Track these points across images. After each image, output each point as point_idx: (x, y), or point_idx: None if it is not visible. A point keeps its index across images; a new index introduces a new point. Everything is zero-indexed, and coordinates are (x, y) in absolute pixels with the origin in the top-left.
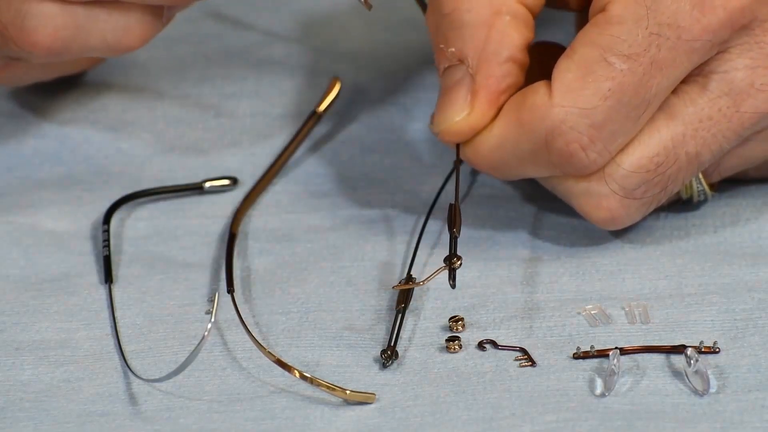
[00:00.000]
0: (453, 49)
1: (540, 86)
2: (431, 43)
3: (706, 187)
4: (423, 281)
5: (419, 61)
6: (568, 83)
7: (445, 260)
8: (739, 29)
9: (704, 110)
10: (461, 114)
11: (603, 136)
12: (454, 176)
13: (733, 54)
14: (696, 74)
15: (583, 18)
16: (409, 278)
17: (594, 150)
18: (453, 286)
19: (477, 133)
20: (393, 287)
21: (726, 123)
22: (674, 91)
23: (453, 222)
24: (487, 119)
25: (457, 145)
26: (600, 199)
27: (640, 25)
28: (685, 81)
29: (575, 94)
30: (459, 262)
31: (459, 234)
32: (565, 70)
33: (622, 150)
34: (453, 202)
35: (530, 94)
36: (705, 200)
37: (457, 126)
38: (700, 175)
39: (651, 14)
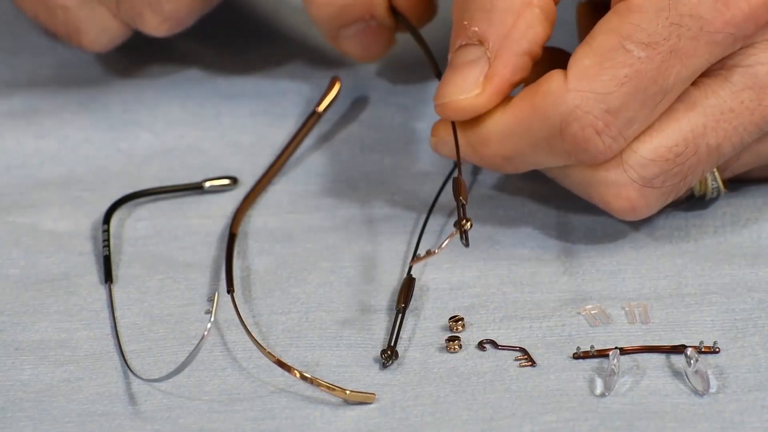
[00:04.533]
0: (476, 29)
1: (555, 73)
2: (451, 16)
3: (721, 184)
4: (437, 249)
5: (420, 62)
6: (585, 69)
7: (455, 225)
8: (764, 25)
9: (726, 102)
10: (470, 93)
11: (618, 123)
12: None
13: (758, 49)
14: (719, 68)
15: (587, 20)
16: (410, 278)
17: (609, 135)
18: (466, 245)
19: (476, 117)
20: (411, 262)
21: (748, 116)
22: (696, 83)
23: (458, 192)
24: (491, 106)
25: (453, 124)
26: (619, 188)
27: (661, 14)
28: (707, 74)
29: (591, 79)
30: (469, 223)
31: (467, 201)
32: (582, 57)
33: (640, 138)
34: (456, 176)
35: (545, 81)
36: (717, 197)
37: (462, 103)
38: (716, 172)
39: (673, 5)
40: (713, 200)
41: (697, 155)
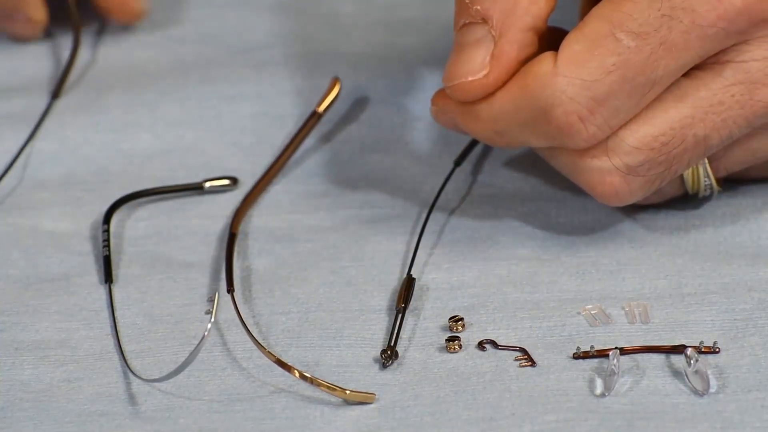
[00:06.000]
0: (478, 7)
1: (547, 55)
2: None
3: (714, 182)
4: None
5: (419, 62)
6: (574, 54)
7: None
8: (759, 22)
9: (716, 95)
10: (478, 74)
11: (603, 110)
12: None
13: (752, 45)
14: (712, 62)
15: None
16: (410, 278)
17: (593, 123)
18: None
19: (486, 96)
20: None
21: (738, 109)
22: (687, 75)
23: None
24: (500, 85)
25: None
26: (603, 174)
27: (654, 5)
28: (700, 67)
29: (579, 65)
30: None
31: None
32: (573, 42)
33: (626, 126)
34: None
35: (536, 63)
36: (710, 196)
37: (471, 85)
38: (709, 170)
39: None
40: (707, 198)
41: (684, 145)
